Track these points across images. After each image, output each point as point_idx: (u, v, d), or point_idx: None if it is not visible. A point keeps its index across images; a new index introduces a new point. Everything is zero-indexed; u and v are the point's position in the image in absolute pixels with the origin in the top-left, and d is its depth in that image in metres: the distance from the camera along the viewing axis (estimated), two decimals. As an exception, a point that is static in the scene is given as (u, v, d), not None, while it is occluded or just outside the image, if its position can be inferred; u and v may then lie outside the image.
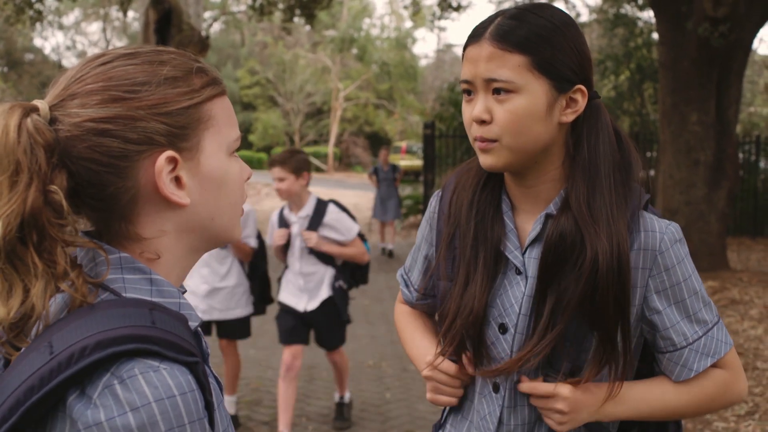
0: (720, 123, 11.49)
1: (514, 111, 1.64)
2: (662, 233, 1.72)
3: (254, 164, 45.17)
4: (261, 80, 47.92)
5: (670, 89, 11.47)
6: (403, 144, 36.96)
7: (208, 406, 1.09)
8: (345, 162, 49.59)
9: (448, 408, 1.97)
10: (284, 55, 45.67)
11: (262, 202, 26.67)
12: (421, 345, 2.02)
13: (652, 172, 14.34)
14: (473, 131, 1.70)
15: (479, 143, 1.70)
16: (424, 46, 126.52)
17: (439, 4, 18.35)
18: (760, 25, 11.60)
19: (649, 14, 19.02)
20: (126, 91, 1.14)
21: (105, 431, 0.99)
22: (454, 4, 17.95)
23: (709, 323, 1.76)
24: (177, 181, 1.18)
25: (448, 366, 1.86)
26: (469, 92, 1.71)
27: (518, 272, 1.77)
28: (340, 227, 5.44)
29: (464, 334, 1.79)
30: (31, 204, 1.07)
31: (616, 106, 18.55)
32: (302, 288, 5.49)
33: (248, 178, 1.30)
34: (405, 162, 34.01)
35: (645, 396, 1.78)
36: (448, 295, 1.84)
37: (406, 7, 21.55)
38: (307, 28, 32.47)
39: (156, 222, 1.19)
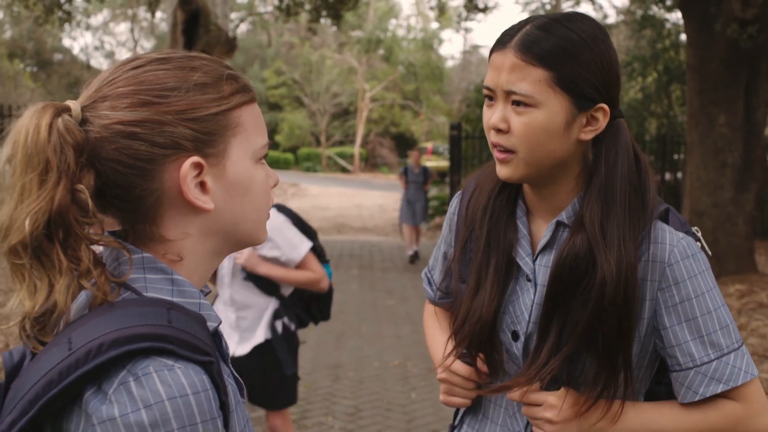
0: (748, 125, 11.40)
1: (530, 125, 1.63)
2: (672, 246, 1.68)
3: (280, 164, 45.28)
4: (287, 81, 48.01)
5: (698, 91, 11.40)
6: (429, 145, 36.93)
7: (223, 407, 1.10)
8: (371, 163, 49.57)
9: (462, 409, 1.98)
10: (311, 56, 45.73)
11: (289, 202, 26.77)
12: (441, 345, 2.01)
13: (679, 175, 14.27)
14: (491, 137, 1.71)
15: (497, 153, 1.70)
16: (451, 47, 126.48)
17: (465, 6, 18.33)
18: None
19: (677, 15, 18.92)
20: (155, 96, 1.17)
21: (118, 427, 1.01)
22: (480, 5, 17.93)
23: (724, 348, 1.67)
24: (202, 185, 1.20)
25: (461, 367, 1.86)
26: (490, 97, 1.71)
27: (528, 279, 1.78)
28: (280, 241, 4.03)
29: (472, 339, 1.80)
30: (58, 202, 1.10)
31: (643, 108, 18.44)
32: (233, 325, 4.15)
33: (275, 185, 1.32)
34: (431, 163, 33.93)
35: (642, 419, 1.72)
36: (459, 298, 1.85)
37: (432, 8, 21.55)
38: (334, 28, 32.49)
39: (180, 225, 1.22)
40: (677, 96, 18.93)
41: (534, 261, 1.77)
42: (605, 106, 1.67)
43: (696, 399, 1.68)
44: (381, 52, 45.78)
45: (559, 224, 1.75)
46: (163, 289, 1.18)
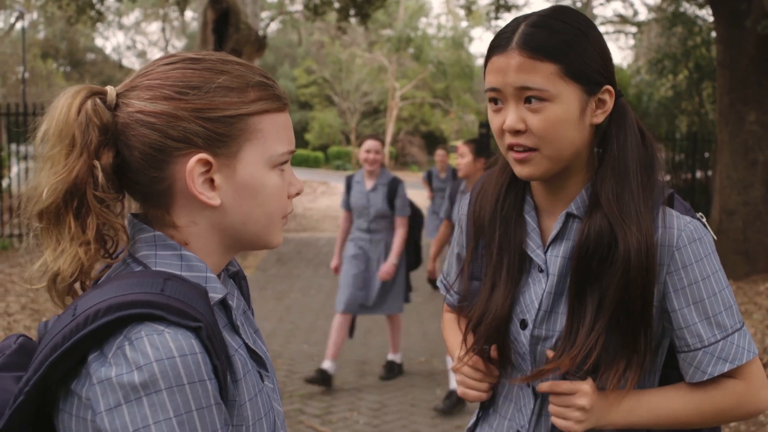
0: (780, 124, 11.31)
1: (550, 119, 1.66)
2: (680, 230, 1.72)
3: (310, 163, 45.46)
4: (318, 79, 48.20)
5: (728, 88, 11.32)
6: (459, 143, 36.88)
7: (216, 371, 1.17)
8: (401, 161, 49.65)
9: (479, 409, 2.00)
10: (341, 55, 45.87)
11: (318, 200, 26.85)
12: (458, 350, 2.01)
13: (710, 173, 14.15)
14: (506, 140, 1.72)
15: (515, 154, 1.72)
16: (481, 45, 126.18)
17: (494, 3, 18.30)
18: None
19: (708, 12, 18.78)
20: (177, 92, 1.26)
21: (114, 386, 1.10)
22: (508, 4, 17.90)
23: (729, 328, 1.72)
24: (211, 182, 1.28)
25: (475, 360, 1.88)
26: (496, 101, 1.73)
27: (540, 270, 1.80)
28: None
29: (489, 336, 1.82)
30: (76, 173, 1.22)
31: (674, 105, 18.32)
32: None
33: (297, 194, 1.40)
34: (460, 161, 33.95)
35: (649, 405, 1.76)
36: (475, 297, 1.88)
37: (461, 7, 21.53)
38: (364, 27, 32.58)
39: (189, 214, 1.30)
40: (708, 93, 18.79)
41: (545, 252, 1.80)
42: (610, 87, 1.73)
43: (705, 378, 1.73)
44: (411, 50, 45.80)
45: (569, 215, 1.78)
46: (172, 264, 1.28)
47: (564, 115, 1.67)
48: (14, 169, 14.74)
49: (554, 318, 1.77)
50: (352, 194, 6.93)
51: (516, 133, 1.69)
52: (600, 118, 1.74)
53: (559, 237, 1.79)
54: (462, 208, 2.04)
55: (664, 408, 1.76)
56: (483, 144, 6.31)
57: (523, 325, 1.80)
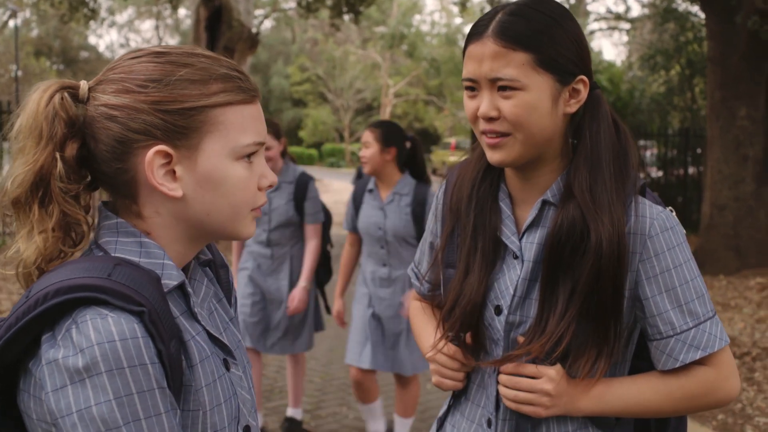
0: (769, 119, 11.36)
1: (521, 107, 1.69)
2: (652, 218, 1.74)
3: (304, 160, 45.40)
4: (311, 77, 48.18)
5: (719, 84, 11.36)
6: (453, 140, 36.90)
7: (160, 355, 1.19)
8: (394, 158, 49.56)
9: (451, 398, 2.00)
10: (334, 52, 45.86)
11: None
12: (430, 337, 2.04)
13: (701, 168, 14.18)
14: (480, 126, 1.76)
15: (489, 139, 1.75)
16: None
17: (489, 1, 18.32)
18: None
19: (700, 8, 18.82)
20: (137, 85, 1.29)
21: (60, 367, 1.14)
22: (502, 1, 17.89)
23: (701, 316, 1.74)
24: (173, 173, 1.31)
25: (449, 348, 1.89)
26: (472, 88, 1.76)
27: (515, 257, 1.82)
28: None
29: (463, 321, 1.83)
30: (41, 164, 1.27)
31: (666, 101, 18.36)
32: None
33: (269, 186, 1.40)
34: (454, 158, 33.95)
35: (620, 393, 1.77)
36: (448, 284, 1.90)
37: (455, 3, 21.54)
38: (355, 24, 32.56)
39: (153, 205, 1.33)
40: (700, 89, 18.82)
41: (520, 239, 1.82)
42: (584, 77, 1.75)
43: (677, 366, 1.75)
44: (404, 47, 45.78)
45: (545, 203, 1.81)
46: (131, 251, 1.31)
47: (535, 102, 1.69)
48: (7, 167, 14.73)
49: (528, 304, 1.79)
50: None
51: (490, 119, 1.72)
52: (573, 107, 1.76)
53: (534, 224, 1.82)
54: (438, 197, 2.05)
55: (634, 395, 1.77)
56: (394, 129, 4.84)
57: (498, 310, 1.82)
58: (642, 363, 1.86)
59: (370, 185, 4.92)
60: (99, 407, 1.12)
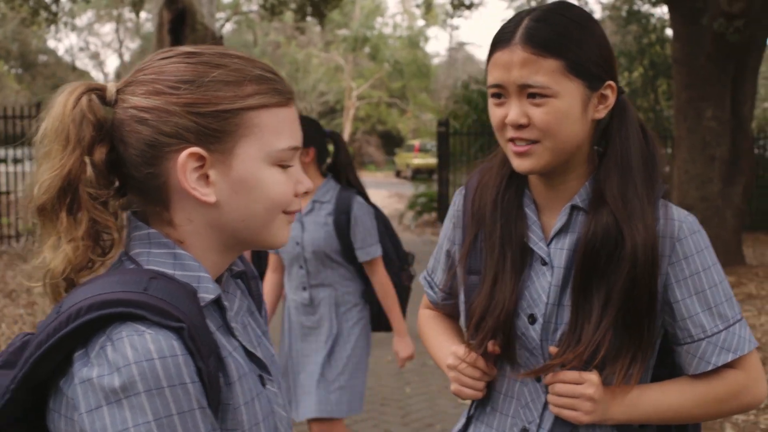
0: (735, 118, 11.46)
1: (552, 114, 1.67)
2: (681, 221, 1.74)
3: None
4: (274, 80, 47.92)
5: (685, 85, 11.45)
6: (416, 142, 36.92)
7: (200, 373, 1.12)
8: (358, 161, 49.48)
9: (472, 408, 1.95)
10: (297, 55, 45.68)
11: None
12: (446, 347, 2.00)
13: (666, 169, 14.29)
14: (508, 134, 1.73)
15: (516, 147, 1.72)
16: (437, 44, 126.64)
17: (452, 3, 18.35)
18: (775, 19, 11.57)
19: (662, 10, 19.00)
20: (169, 87, 1.23)
21: (95, 387, 1.08)
22: (467, 2, 17.95)
23: (730, 319, 1.75)
24: (206, 178, 1.24)
25: (475, 358, 1.84)
26: (499, 95, 1.73)
27: (543, 263, 1.79)
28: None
29: (496, 330, 1.79)
30: (69, 169, 1.21)
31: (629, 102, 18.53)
32: None
33: (305, 192, 1.34)
34: (418, 160, 34.02)
35: (653, 399, 1.76)
36: (475, 292, 1.86)
37: (418, 6, 21.55)
38: (320, 27, 32.50)
39: (185, 211, 1.27)
40: (663, 90, 19.02)
41: (548, 245, 1.80)
42: (612, 82, 1.74)
43: (709, 368, 1.74)
44: (367, 50, 45.79)
45: (573, 208, 1.79)
46: (165, 263, 1.24)
47: (566, 109, 1.67)
48: None
49: (561, 311, 1.77)
50: None
51: (518, 127, 1.70)
52: (602, 113, 1.75)
53: (563, 230, 1.79)
54: (455, 204, 2.01)
55: (665, 401, 1.76)
56: (311, 126, 4.03)
57: (532, 319, 1.79)
58: (663, 370, 1.85)
59: None
60: (137, 428, 1.06)
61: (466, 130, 18.21)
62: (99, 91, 1.26)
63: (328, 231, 3.99)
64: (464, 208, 1.97)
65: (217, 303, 1.29)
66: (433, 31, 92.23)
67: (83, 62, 53.23)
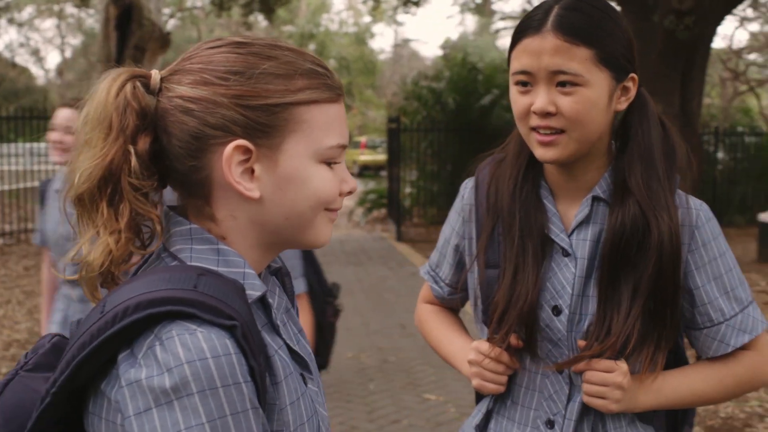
0: (684, 115, 11.64)
1: (581, 103, 1.67)
2: (698, 210, 1.78)
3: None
4: (219, 76, 47.62)
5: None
6: (363, 139, 36.88)
7: (253, 373, 1.09)
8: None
9: (489, 402, 1.93)
10: (242, 51, 45.41)
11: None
12: (457, 342, 2.01)
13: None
14: (532, 122, 1.72)
15: (541, 136, 1.71)
16: (382, 41, 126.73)
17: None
18: (722, 17, 11.80)
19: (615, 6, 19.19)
20: (217, 77, 1.18)
21: (143, 389, 1.03)
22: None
23: (744, 301, 1.81)
24: (251, 173, 1.20)
25: (498, 352, 1.82)
26: (525, 83, 1.72)
27: (565, 254, 1.80)
28: None
29: (521, 322, 1.78)
30: (111, 158, 1.16)
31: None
32: None
33: (350, 192, 1.30)
34: (365, 157, 33.99)
35: (675, 385, 1.80)
36: (494, 284, 1.84)
37: (364, 2, 21.54)
38: (265, 24, 32.23)
39: (228, 207, 1.22)
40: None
41: (570, 236, 1.80)
42: (635, 75, 1.75)
43: (728, 350, 1.80)
44: (313, 46, 45.65)
45: (595, 199, 1.79)
46: (208, 259, 1.20)
47: (595, 99, 1.68)
48: None
49: (585, 301, 1.77)
50: (47, 216, 3.78)
51: (545, 115, 1.69)
52: (623, 105, 1.76)
53: (585, 220, 1.80)
54: (464, 198, 2.00)
55: (687, 386, 1.80)
56: None
57: (557, 311, 1.79)
58: (669, 356, 1.87)
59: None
60: (189, 431, 1.02)
61: (415, 126, 18.23)
62: (143, 78, 1.21)
63: None
64: (476, 201, 1.95)
65: (262, 300, 1.25)
66: (379, 28, 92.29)
67: (23, 58, 52.27)
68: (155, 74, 1.22)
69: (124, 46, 17.56)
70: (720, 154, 17.95)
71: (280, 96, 1.19)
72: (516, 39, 1.74)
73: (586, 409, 1.79)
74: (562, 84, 1.67)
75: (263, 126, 1.18)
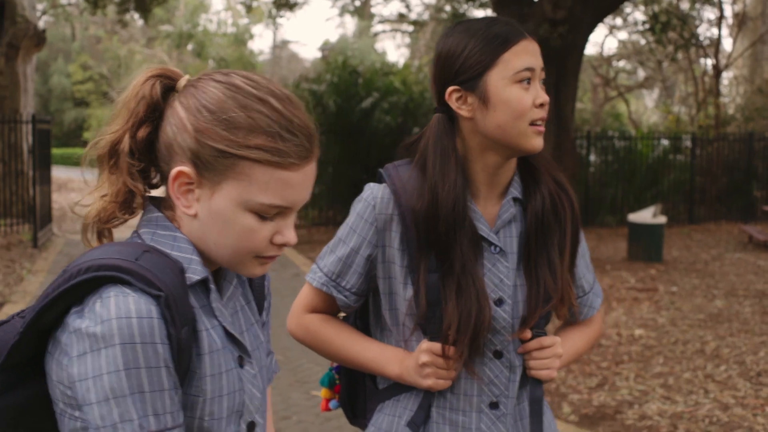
0: (558, 119, 12.08)
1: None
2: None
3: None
4: (94, 75, 46.55)
5: (512, 87, 11.94)
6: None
7: (170, 338, 1.28)
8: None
9: (420, 397, 1.97)
10: (119, 50, 44.53)
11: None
12: (373, 348, 2.02)
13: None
14: (535, 114, 1.86)
15: (540, 127, 1.89)
16: (261, 42, 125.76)
17: (274, 2, 18.37)
18: (593, 27, 12.31)
19: (487, 13, 19.64)
20: (196, 107, 1.38)
21: (82, 335, 1.26)
22: (291, 2, 18.04)
23: (592, 270, 2.19)
24: (192, 192, 1.39)
25: (438, 347, 1.88)
26: (528, 80, 1.86)
27: (495, 250, 1.94)
28: None
29: (477, 318, 1.85)
30: (118, 136, 1.42)
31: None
32: None
33: (283, 245, 1.40)
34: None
35: (573, 344, 2.13)
36: (437, 288, 1.89)
37: (242, 3, 21.45)
38: (142, 22, 31.63)
39: (179, 209, 1.43)
40: (488, 91, 19.57)
41: (497, 233, 1.95)
42: None
43: (593, 313, 2.18)
44: (191, 47, 45.14)
45: (515, 200, 1.99)
46: (165, 243, 1.41)
47: None
48: None
49: (516, 291, 1.94)
50: None
51: (541, 106, 1.87)
52: None
53: (513, 219, 1.97)
54: (374, 207, 1.96)
55: (576, 344, 2.14)
56: None
57: (499, 302, 1.92)
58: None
59: None
60: (110, 375, 1.23)
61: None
62: (170, 79, 1.43)
63: None
64: (399, 209, 1.94)
65: (204, 284, 1.43)
66: (258, 29, 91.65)
67: None
68: (183, 80, 1.44)
69: (-2, 43, 17.07)
70: (592, 157, 18.42)
71: (229, 145, 1.34)
72: (512, 43, 1.85)
73: (522, 388, 1.99)
74: (542, 80, 1.91)
75: (208, 164, 1.35)
